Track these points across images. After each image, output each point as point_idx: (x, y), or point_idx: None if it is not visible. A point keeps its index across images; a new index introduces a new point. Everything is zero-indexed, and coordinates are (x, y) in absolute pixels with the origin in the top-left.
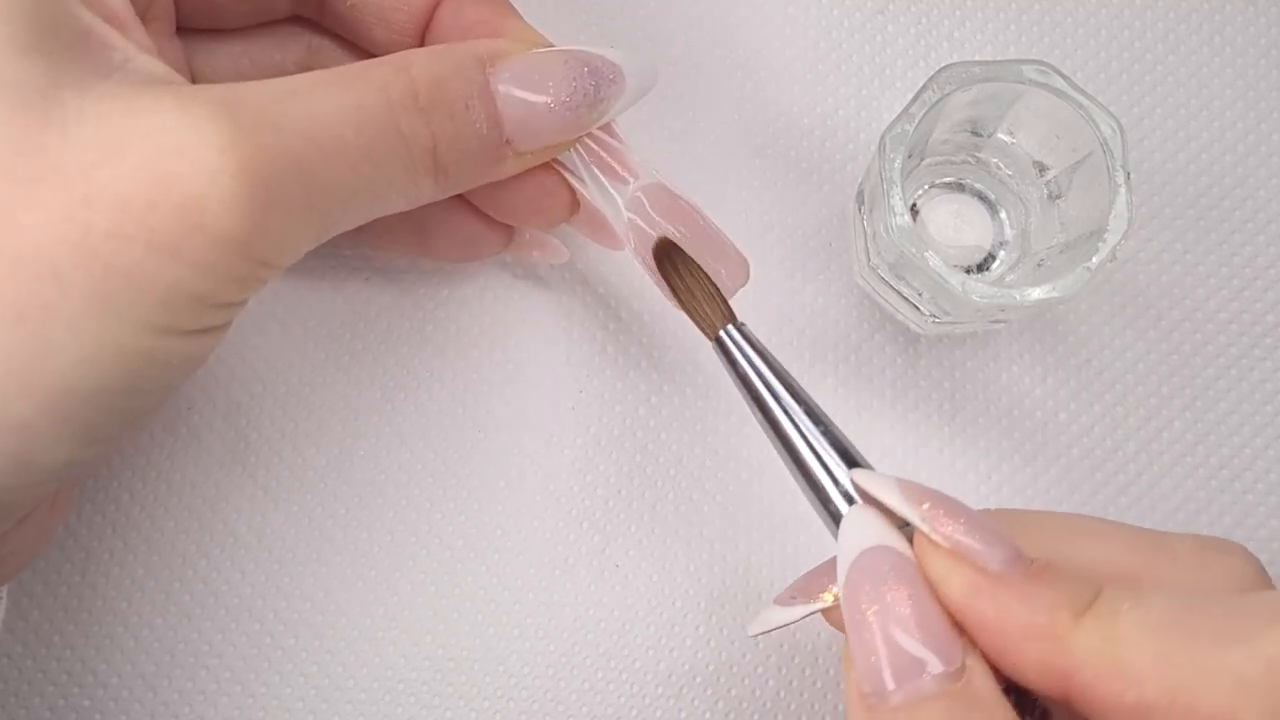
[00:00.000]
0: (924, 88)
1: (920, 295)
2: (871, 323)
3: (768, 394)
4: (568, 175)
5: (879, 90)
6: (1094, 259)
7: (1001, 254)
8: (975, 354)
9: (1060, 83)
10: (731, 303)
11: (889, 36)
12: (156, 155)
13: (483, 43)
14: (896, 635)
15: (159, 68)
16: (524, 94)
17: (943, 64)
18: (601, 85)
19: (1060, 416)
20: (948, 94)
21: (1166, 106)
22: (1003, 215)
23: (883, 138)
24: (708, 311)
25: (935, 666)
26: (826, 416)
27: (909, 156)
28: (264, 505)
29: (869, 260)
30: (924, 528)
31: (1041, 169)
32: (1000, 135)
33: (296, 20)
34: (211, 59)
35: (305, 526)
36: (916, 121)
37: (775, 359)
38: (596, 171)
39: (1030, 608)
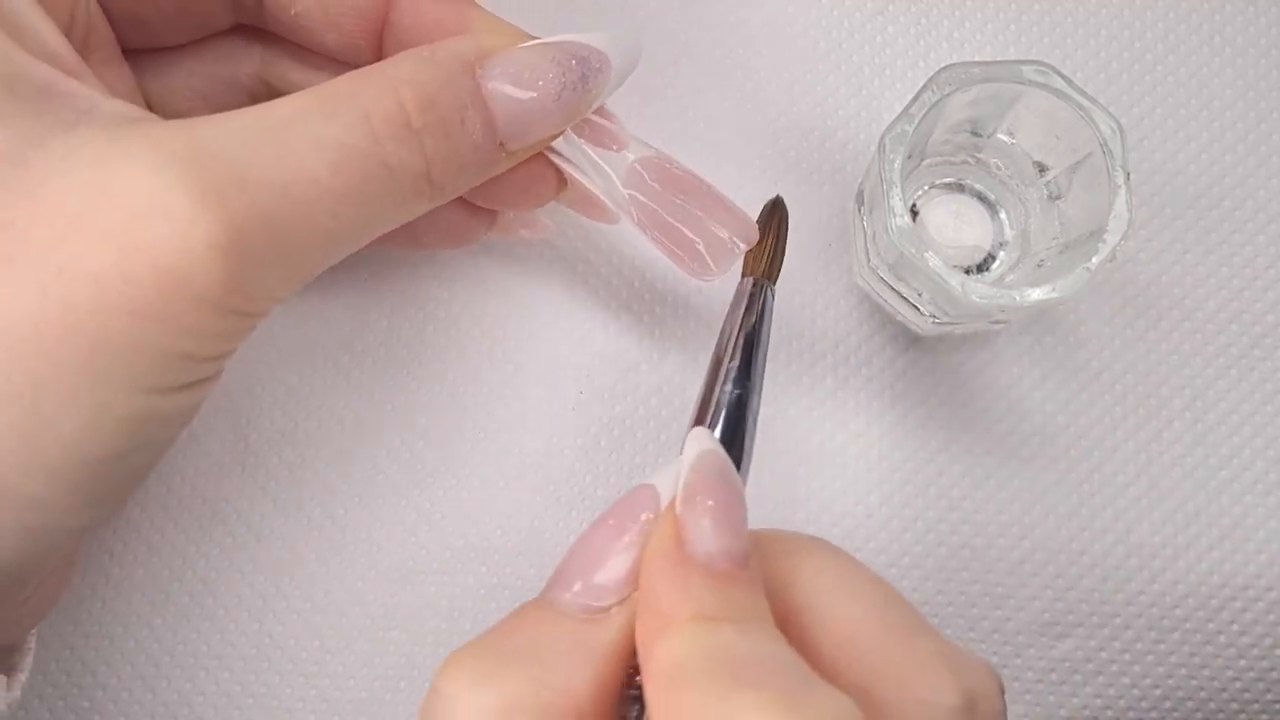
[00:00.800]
0: (924, 88)
1: (920, 296)
2: (871, 323)
3: (737, 346)
4: (556, 159)
5: (879, 91)
6: (1094, 259)
7: (1001, 254)
8: (975, 354)
9: (1060, 83)
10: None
11: (889, 37)
12: (127, 221)
13: (466, 42)
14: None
15: (124, 108)
16: (515, 93)
17: (942, 64)
18: (590, 75)
19: (1060, 417)
20: (947, 94)
21: (1166, 107)
22: (1002, 216)
23: (882, 138)
24: (764, 260)
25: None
26: (754, 391)
27: (909, 157)
28: (263, 505)
29: (869, 261)
30: (679, 490)
31: (1041, 169)
32: (1000, 136)
33: (244, 31)
34: (162, 80)
35: (305, 526)
36: (916, 122)
37: (767, 335)
38: (589, 149)
39: (668, 591)
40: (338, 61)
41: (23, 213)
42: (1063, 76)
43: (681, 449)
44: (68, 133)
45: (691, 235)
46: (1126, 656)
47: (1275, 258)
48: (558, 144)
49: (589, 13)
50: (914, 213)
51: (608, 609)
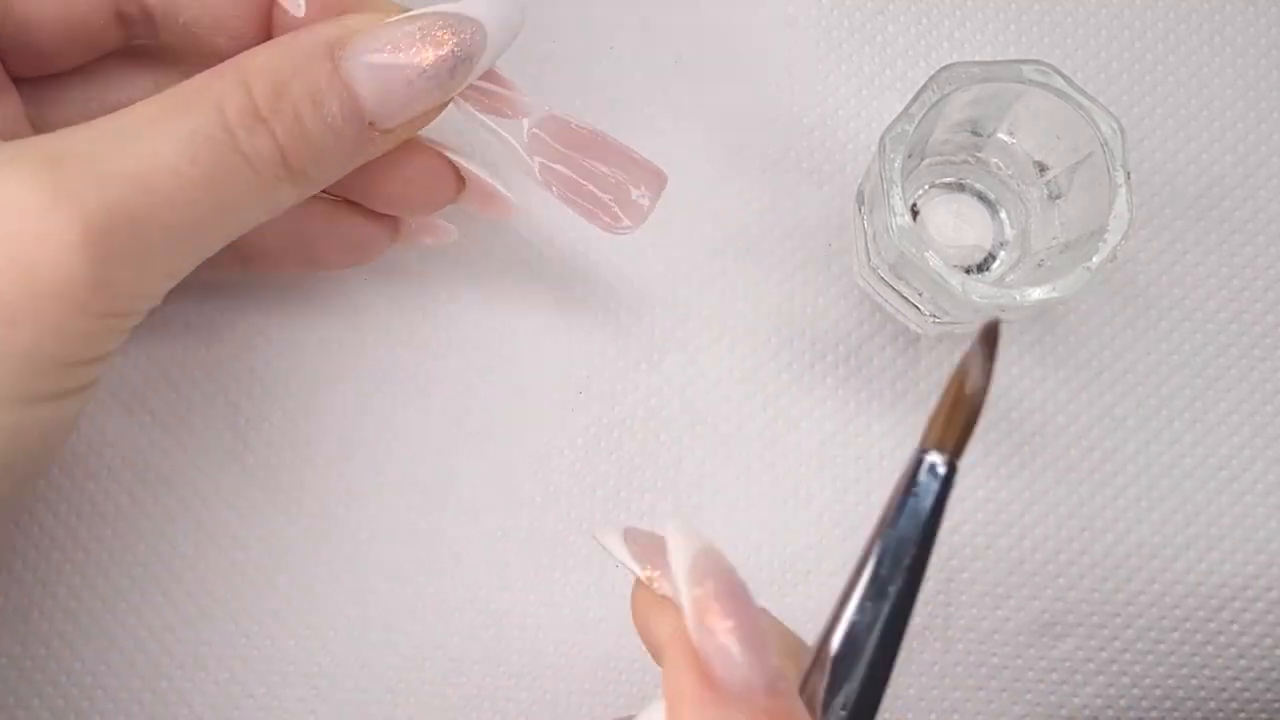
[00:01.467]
0: (924, 88)
1: (920, 295)
2: (872, 323)
3: (902, 547)
4: (449, 154)
5: (879, 90)
6: (1094, 259)
7: (1001, 254)
8: None
9: (1060, 83)
10: (732, 297)
11: (889, 36)
12: None
13: (328, 26)
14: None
15: None
16: (379, 69)
17: (943, 64)
18: (461, 44)
19: (1060, 417)
20: (948, 94)
21: (1167, 106)
22: (1003, 215)
23: (883, 138)
24: (943, 424)
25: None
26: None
27: (909, 156)
28: (263, 505)
29: (869, 260)
30: (687, 612)
31: (1042, 169)
32: (1000, 135)
33: (136, 52)
34: (57, 107)
35: (304, 526)
36: (916, 122)
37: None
38: (487, 119)
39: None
40: None
41: None
42: (1063, 76)
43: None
44: None
45: (601, 193)
46: (1127, 656)
47: (1276, 257)
48: (453, 122)
49: (589, 12)
50: (914, 212)
51: None
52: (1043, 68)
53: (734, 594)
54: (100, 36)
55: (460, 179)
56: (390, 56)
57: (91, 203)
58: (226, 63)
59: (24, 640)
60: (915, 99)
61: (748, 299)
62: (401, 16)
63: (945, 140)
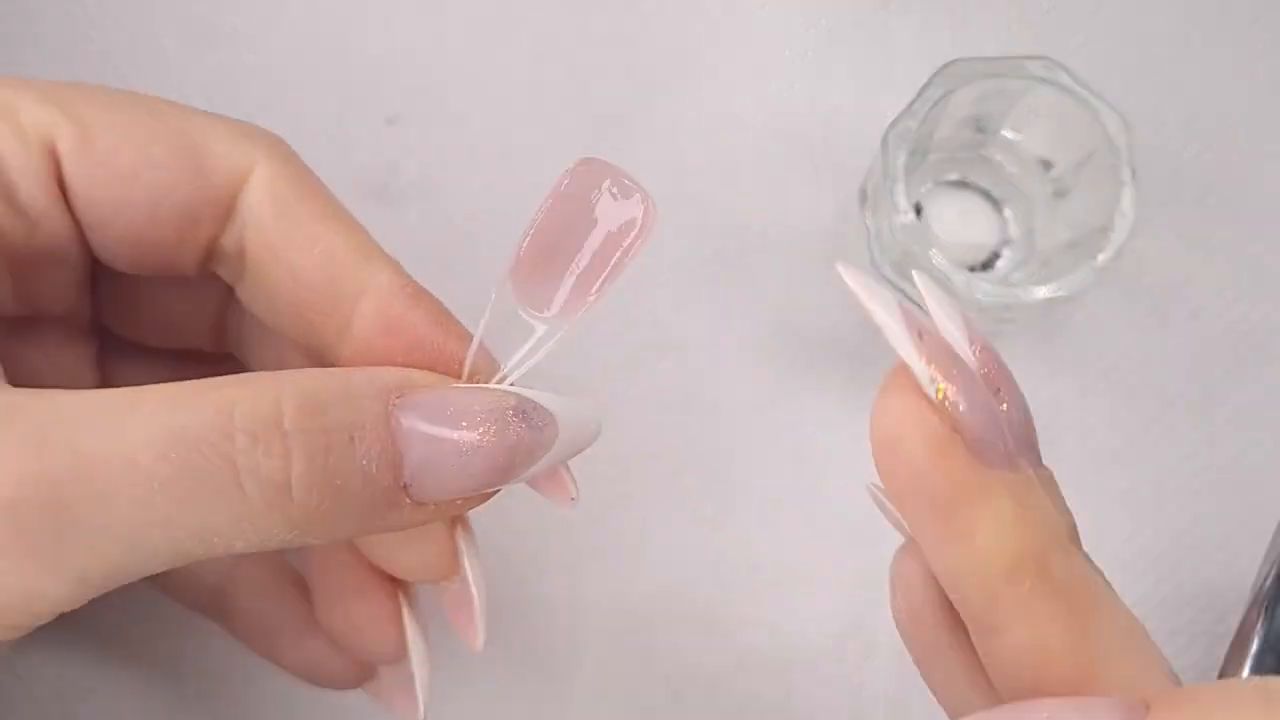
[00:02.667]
0: (928, 84)
1: None
2: (874, 322)
3: None
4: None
5: (882, 87)
6: (1100, 257)
7: (1006, 252)
8: None
9: (1065, 79)
10: (739, 303)
11: (892, 33)
12: None
13: (388, 371)
14: None
15: None
16: (430, 430)
17: (947, 60)
18: (528, 436)
19: (1065, 416)
20: (952, 91)
21: (1173, 103)
22: (1007, 213)
23: (886, 135)
24: None
25: None
26: None
27: (912, 154)
28: None
29: (872, 259)
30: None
31: (1047, 166)
32: (1005, 132)
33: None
34: (127, 371)
35: None
36: (920, 118)
37: None
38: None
39: None
40: None
41: None
42: (1068, 72)
43: None
44: None
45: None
46: None
47: None
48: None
49: (588, 9)
50: (918, 210)
51: None
52: (1048, 64)
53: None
54: (195, 335)
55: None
56: (447, 418)
57: (14, 472)
58: (264, 373)
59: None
60: (919, 95)
61: (748, 298)
62: (474, 386)
63: (949, 137)
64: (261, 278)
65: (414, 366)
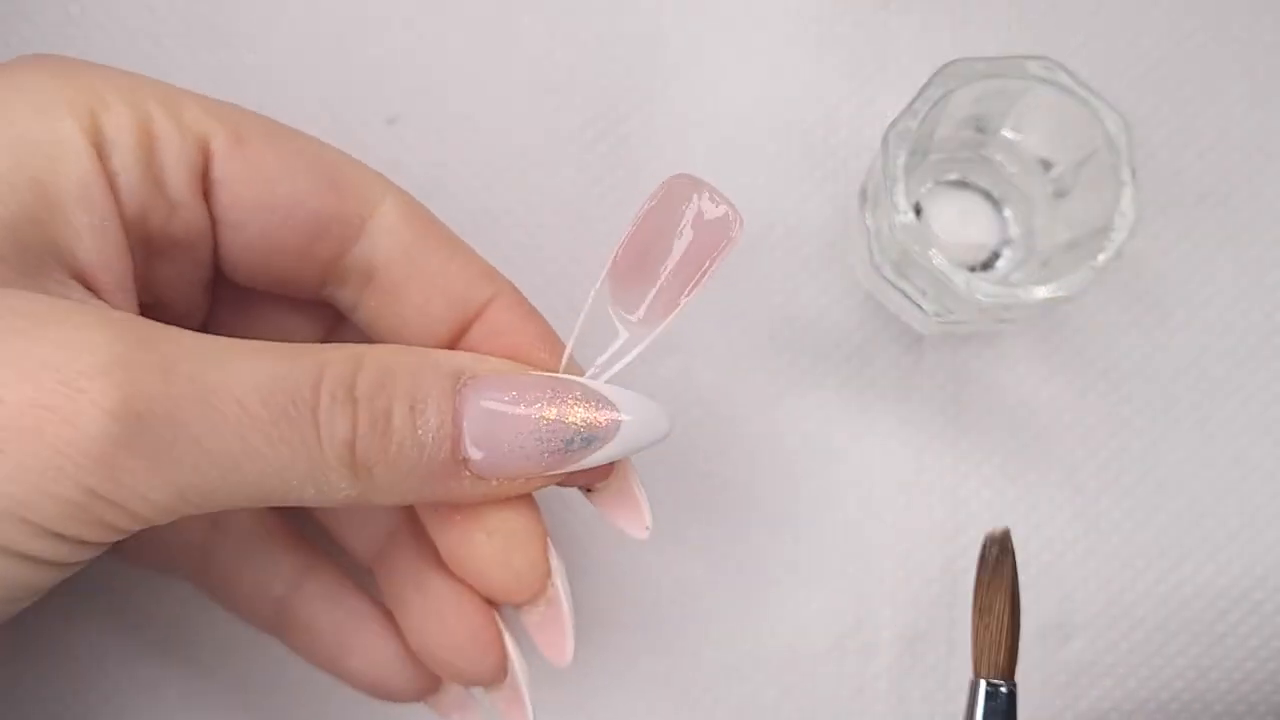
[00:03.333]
0: (928, 84)
1: (924, 294)
2: (874, 322)
3: None
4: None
5: (882, 87)
6: (1100, 257)
7: (1006, 252)
8: (979, 354)
9: (1065, 79)
10: (739, 303)
11: (892, 32)
12: (27, 360)
13: (466, 355)
14: None
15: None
16: (492, 406)
17: (946, 60)
18: (589, 422)
19: (1065, 417)
20: (952, 90)
21: (1173, 103)
22: (1007, 213)
23: (886, 134)
24: (995, 647)
25: None
26: None
27: (912, 153)
28: None
29: (872, 259)
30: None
31: (1047, 166)
32: (1005, 132)
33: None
34: (235, 310)
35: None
36: (920, 118)
37: None
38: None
39: None
40: None
41: None
42: (1068, 72)
43: None
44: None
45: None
46: (1133, 659)
47: None
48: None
49: (589, 7)
50: (918, 210)
51: None
52: (1048, 64)
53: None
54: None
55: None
56: (511, 405)
57: (143, 386)
58: (360, 344)
59: (20, 645)
60: (919, 95)
61: (748, 298)
62: (542, 374)
63: (949, 137)
64: (393, 293)
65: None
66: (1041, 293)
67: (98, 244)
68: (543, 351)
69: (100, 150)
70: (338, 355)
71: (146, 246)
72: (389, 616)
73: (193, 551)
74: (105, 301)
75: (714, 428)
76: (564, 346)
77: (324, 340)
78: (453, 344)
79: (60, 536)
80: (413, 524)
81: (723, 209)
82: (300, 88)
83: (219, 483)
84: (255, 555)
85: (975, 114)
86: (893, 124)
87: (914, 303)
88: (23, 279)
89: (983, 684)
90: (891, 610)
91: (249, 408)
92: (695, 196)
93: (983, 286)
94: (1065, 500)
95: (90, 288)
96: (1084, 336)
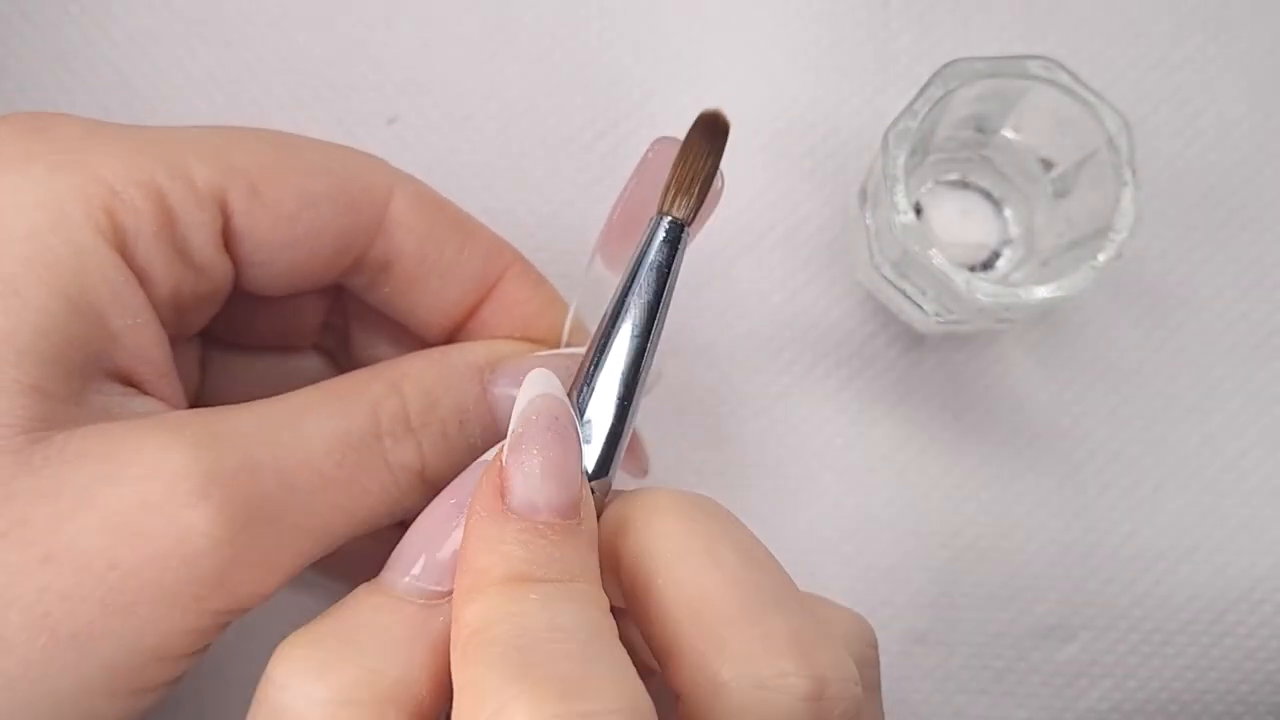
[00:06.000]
0: (928, 84)
1: (924, 294)
2: (875, 322)
3: (643, 290)
4: None
5: (882, 86)
6: (1100, 257)
7: (1006, 252)
8: (980, 354)
9: (1066, 79)
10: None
11: (892, 32)
12: (127, 507)
13: (479, 347)
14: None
15: (158, 407)
16: (514, 392)
17: (947, 60)
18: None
19: (1065, 417)
20: (952, 90)
21: (1173, 103)
22: (1008, 213)
23: (886, 134)
24: (682, 195)
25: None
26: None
27: (913, 153)
28: None
29: (872, 259)
30: (506, 443)
31: (1047, 166)
32: (1005, 132)
33: (318, 350)
34: (227, 367)
35: None
36: (920, 118)
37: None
38: None
39: (477, 552)
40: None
41: (26, 486)
42: (1069, 72)
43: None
44: (92, 424)
45: None
46: (1133, 660)
47: None
48: None
49: (590, 6)
50: (918, 210)
51: (448, 593)
52: (1048, 64)
53: (555, 428)
54: (298, 333)
55: None
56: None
57: (240, 497)
58: (381, 365)
59: None
60: (919, 95)
61: (749, 298)
62: (553, 352)
63: (949, 137)
64: (409, 283)
65: (526, 338)
66: (1041, 293)
67: (135, 341)
68: (552, 317)
69: (124, 250)
70: (379, 389)
71: (177, 313)
72: None
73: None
74: (151, 395)
75: (714, 427)
76: (569, 310)
77: (328, 316)
78: (467, 318)
79: (190, 655)
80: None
81: None
82: (300, 88)
83: (317, 548)
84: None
85: (975, 114)
86: (893, 124)
87: (914, 303)
88: (69, 402)
89: (665, 220)
90: (891, 610)
91: (327, 474)
92: None
93: (983, 286)
94: (1064, 501)
95: (132, 383)
96: (1084, 337)
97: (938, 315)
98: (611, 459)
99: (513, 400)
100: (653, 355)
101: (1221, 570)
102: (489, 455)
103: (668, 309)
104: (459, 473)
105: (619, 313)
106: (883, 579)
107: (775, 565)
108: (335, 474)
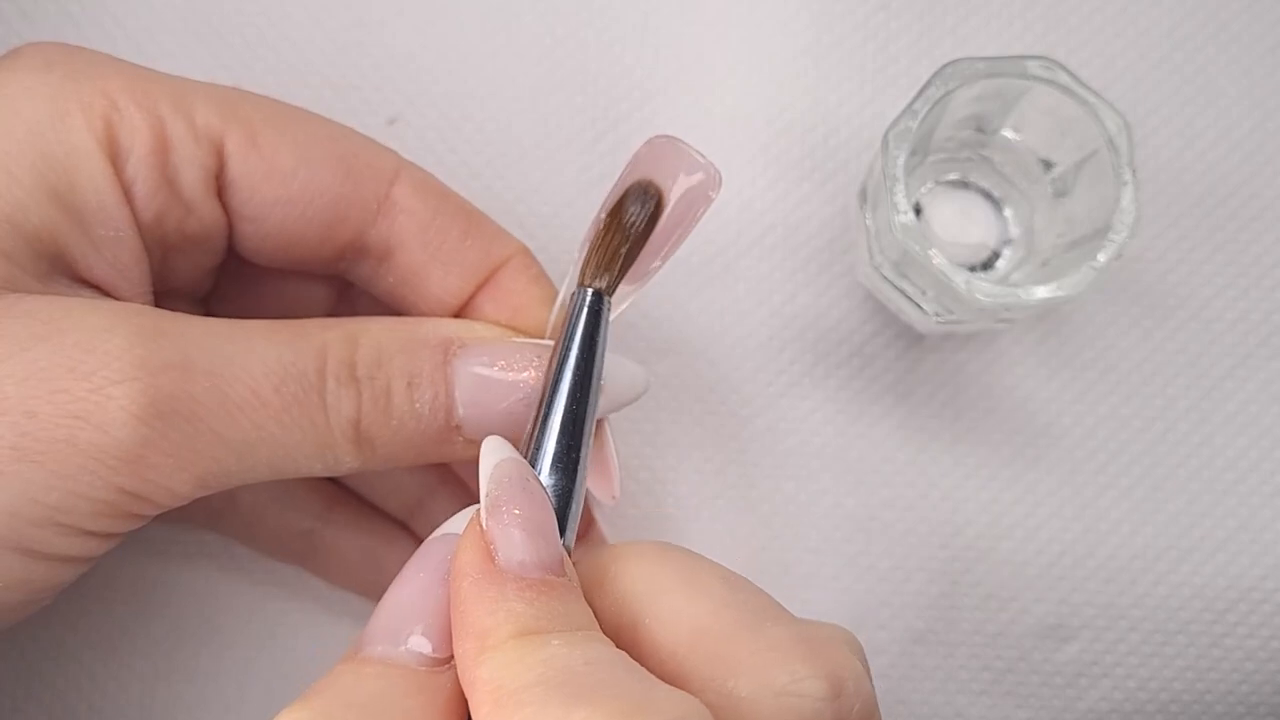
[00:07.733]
0: (928, 84)
1: (924, 294)
2: (875, 322)
3: (574, 363)
4: None
5: (882, 86)
6: (1100, 257)
7: (1006, 252)
8: (980, 354)
9: (1065, 79)
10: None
11: (892, 32)
12: (56, 367)
13: (456, 323)
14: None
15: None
16: (479, 371)
17: (946, 60)
18: None
19: (1065, 418)
20: (952, 90)
21: (1173, 103)
22: (1007, 213)
23: (886, 134)
24: (601, 266)
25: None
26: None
27: (912, 153)
28: None
29: (872, 259)
30: (483, 503)
31: (1047, 166)
32: (1005, 132)
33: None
34: (244, 285)
35: None
36: (920, 118)
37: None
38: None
39: (479, 611)
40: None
41: None
42: (1068, 72)
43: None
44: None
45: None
46: (1132, 660)
47: None
48: None
49: (590, 8)
50: (918, 210)
51: (446, 659)
52: (1047, 64)
53: (527, 490)
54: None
55: None
56: (498, 372)
57: (166, 388)
58: (345, 318)
59: (20, 646)
60: (919, 95)
61: (749, 299)
62: (528, 340)
63: (949, 137)
64: (411, 272)
65: (511, 327)
66: (1041, 293)
67: (115, 254)
68: (544, 313)
69: (115, 160)
70: (336, 336)
71: (162, 246)
72: (415, 537)
73: (217, 502)
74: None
75: (714, 427)
76: (555, 303)
77: (334, 309)
78: (467, 292)
79: (91, 533)
80: (446, 483)
81: (700, 170)
82: (300, 88)
83: (235, 466)
84: (281, 498)
85: (975, 114)
86: (893, 124)
87: (914, 303)
88: (33, 277)
89: (587, 293)
90: (891, 610)
91: (262, 396)
92: (675, 156)
93: (983, 286)
94: (1064, 501)
95: (108, 294)
96: (1084, 337)
97: (938, 315)
98: (566, 521)
99: (476, 379)
100: (594, 414)
101: (1221, 570)
102: (450, 527)
103: (600, 374)
104: (396, 441)
105: (556, 384)
106: (883, 579)
107: (755, 586)
108: (270, 398)
